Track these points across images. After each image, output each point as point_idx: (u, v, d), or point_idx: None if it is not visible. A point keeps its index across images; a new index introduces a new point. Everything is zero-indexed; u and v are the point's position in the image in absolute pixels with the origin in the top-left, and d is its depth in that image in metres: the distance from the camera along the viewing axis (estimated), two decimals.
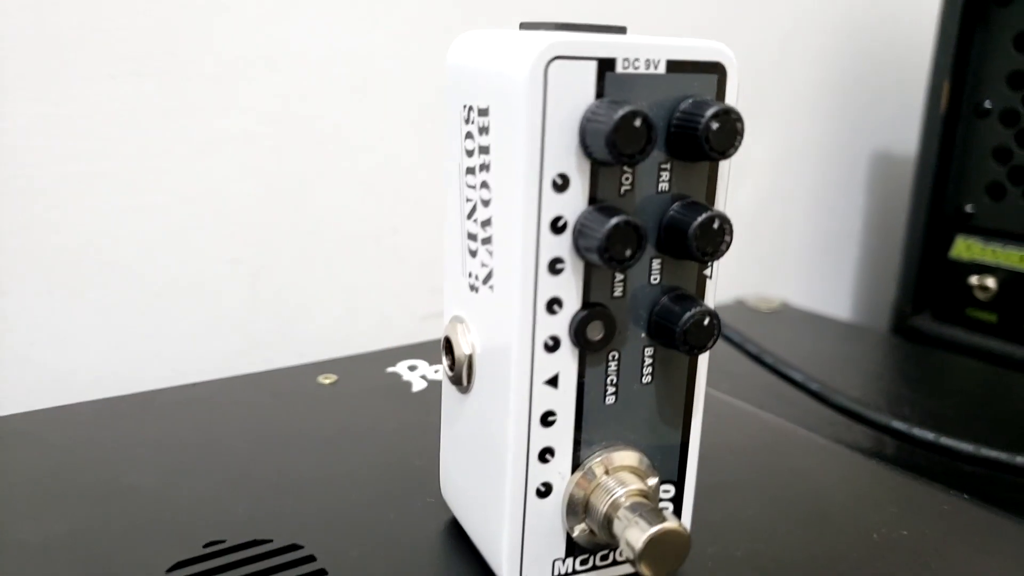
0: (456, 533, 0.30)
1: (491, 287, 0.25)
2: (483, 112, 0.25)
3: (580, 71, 0.23)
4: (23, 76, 0.42)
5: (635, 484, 0.26)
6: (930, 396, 0.55)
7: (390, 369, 0.43)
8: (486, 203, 0.25)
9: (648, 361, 0.26)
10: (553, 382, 0.25)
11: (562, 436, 0.25)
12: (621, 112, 0.22)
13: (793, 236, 0.77)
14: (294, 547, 0.29)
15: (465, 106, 0.26)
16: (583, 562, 0.27)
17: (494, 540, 0.27)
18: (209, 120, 0.48)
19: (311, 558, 0.28)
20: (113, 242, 0.46)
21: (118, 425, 0.36)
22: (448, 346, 0.28)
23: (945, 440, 0.44)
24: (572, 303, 0.24)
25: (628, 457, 0.26)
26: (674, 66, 0.24)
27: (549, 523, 0.26)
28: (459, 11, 0.54)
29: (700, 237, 0.24)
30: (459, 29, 0.54)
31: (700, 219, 0.24)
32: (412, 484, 0.33)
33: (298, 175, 0.51)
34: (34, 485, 0.32)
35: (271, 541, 0.29)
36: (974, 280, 0.64)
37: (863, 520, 0.32)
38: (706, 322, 0.25)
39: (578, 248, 0.24)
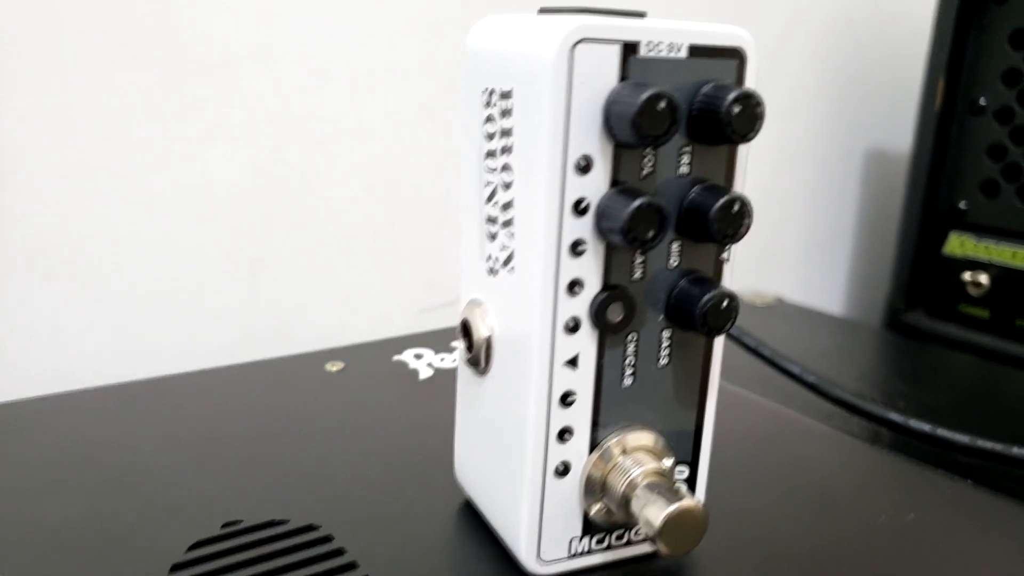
0: (471, 514, 0.30)
1: (511, 269, 0.26)
2: (505, 95, 0.25)
3: (605, 54, 0.23)
4: (22, 68, 0.42)
5: (652, 464, 0.26)
6: (924, 390, 0.56)
7: (396, 357, 0.43)
8: (507, 186, 0.25)
9: (665, 344, 0.26)
10: (573, 363, 0.25)
11: (581, 416, 0.26)
12: (646, 94, 0.22)
13: (788, 231, 0.77)
14: (311, 527, 0.29)
15: (486, 89, 0.26)
16: (599, 541, 0.27)
17: (512, 519, 0.27)
18: (208, 113, 0.48)
19: (328, 538, 0.28)
20: (113, 236, 0.46)
21: (130, 410, 0.37)
22: (466, 329, 0.28)
23: (941, 431, 0.44)
24: (593, 285, 0.25)
25: (644, 438, 0.27)
26: (696, 51, 0.24)
27: (567, 502, 0.26)
28: (459, 6, 0.54)
29: (721, 219, 0.24)
30: (458, 24, 0.54)
31: (721, 202, 0.24)
32: (425, 467, 0.33)
33: (296, 169, 0.51)
34: (50, 467, 0.32)
35: (288, 521, 0.29)
36: (967, 276, 0.65)
37: (869, 504, 0.32)
38: (724, 304, 0.25)
39: (600, 230, 0.24)
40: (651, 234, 0.23)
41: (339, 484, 0.32)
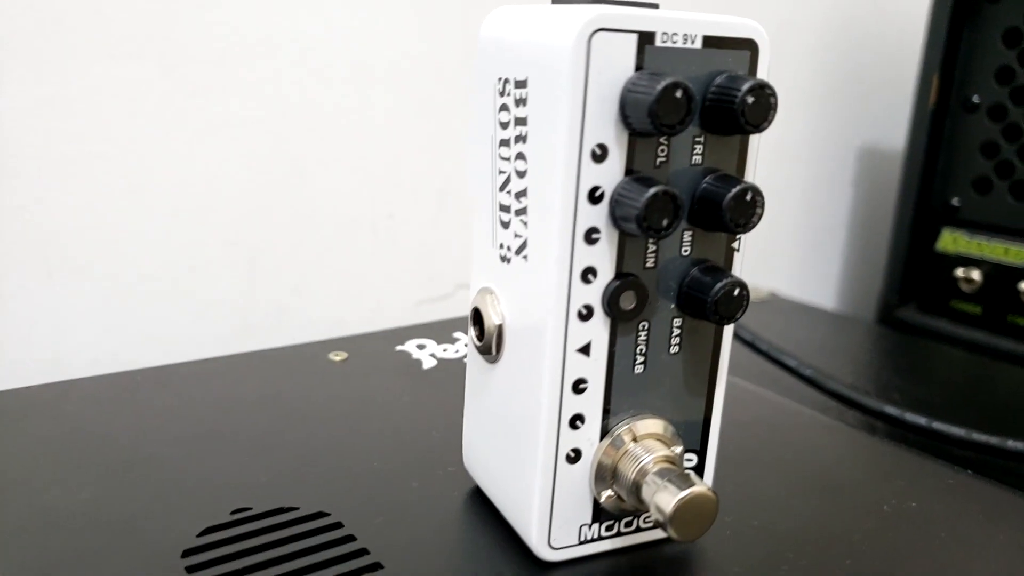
0: (480, 500, 0.30)
1: (525, 257, 0.26)
2: (520, 84, 0.25)
3: (621, 43, 0.23)
4: (22, 57, 0.42)
5: (662, 451, 0.26)
6: (917, 384, 0.56)
7: (399, 348, 0.43)
8: (521, 174, 0.26)
9: (676, 332, 0.27)
10: (585, 350, 0.25)
11: (592, 403, 0.26)
12: (664, 83, 0.22)
13: (783, 227, 0.78)
14: (320, 514, 0.29)
15: (500, 79, 0.26)
16: (608, 528, 0.28)
17: (523, 505, 0.27)
18: (208, 103, 0.48)
19: (338, 524, 0.28)
20: (111, 224, 0.46)
21: (135, 398, 0.37)
22: (477, 317, 0.28)
23: (937, 425, 0.45)
24: (606, 273, 0.25)
25: (654, 425, 0.27)
26: (710, 41, 0.24)
27: (578, 489, 0.27)
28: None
29: (734, 209, 0.24)
30: (459, 17, 0.54)
31: (734, 191, 0.24)
32: (432, 455, 0.33)
33: (295, 160, 0.51)
34: (57, 454, 0.32)
35: (297, 509, 0.29)
36: (959, 272, 0.66)
37: (873, 493, 0.33)
38: (736, 292, 0.25)
39: (615, 218, 0.24)
40: (666, 222, 0.23)
41: (347, 472, 0.32)
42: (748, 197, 0.24)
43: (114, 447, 0.33)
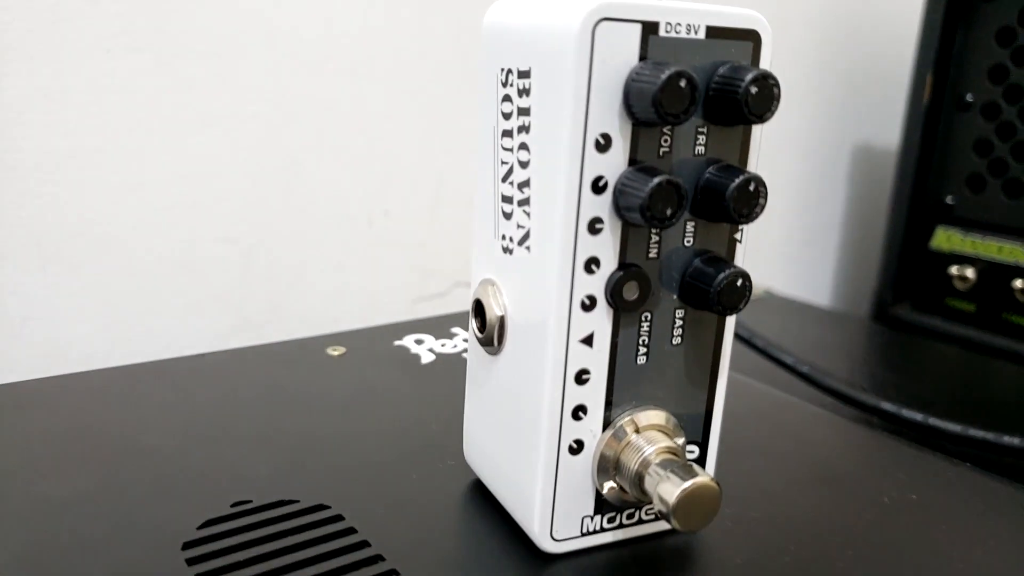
0: (480, 493, 0.30)
1: (527, 248, 0.26)
2: (524, 74, 0.25)
3: (626, 33, 0.23)
4: (19, 50, 0.42)
5: (664, 442, 0.26)
6: (912, 381, 0.57)
7: (397, 342, 0.43)
8: (524, 165, 0.26)
9: (679, 323, 0.27)
10: (588, 341, 0.25)
11: (595, 394, 0.26)
12: (668, 72, 0.22)
13: (777, 225, 0.78)
14: (321, 507, 0.29)
15: (503, 69, 0.26)
16: (610, 520, 0.28)
17: (525, 497, 0.27)
18: (204, 97, 0.48)
19: (339, 517, 0.28)
20: (107, 218, 0.46)
21: (135, 392, 0.36)
22: (479, 308, 0.28)
23: (933, 421, 0.45)
24: (609, 263, 0.25)
25: (656, 416, 0.27)
26: (713, 32, 0.24)
27: (580, 480, 0.27)
28: None
29: (737, 199, 0.24)
30: (455, 12, 0.54)
31: (737, 181, 0.24)
32: (432, 448, 0.33)
33: (292, 155, 0.51)
34: (56, 447, 0.32)
35: (297, 501, 0.29)
36: (954, 270, 0.66)
37: (873, 485, 0.33)
38: (739, 283, 0.25)
39: (618, 208, 0.24)
40: (669, 212, 0.23)
41: (347, 465, 0.32)
42: (751, 187, 0.24)
43: (113, 440, 0.33)
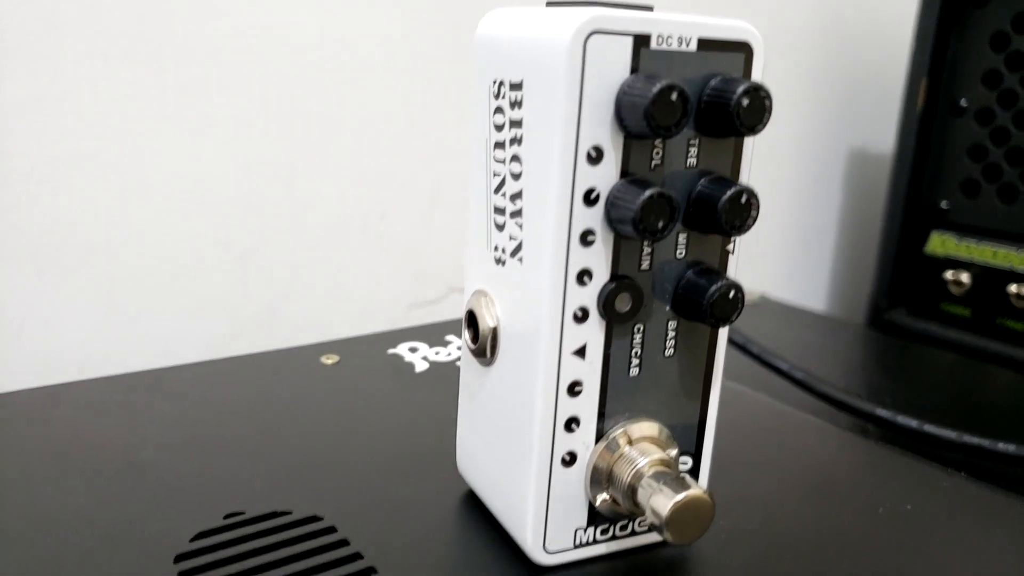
0: (473, 504, 0.30)
1: (520, 259, 0.26)
2: (516, 86, 0.25)
3: (617, 46, 0.23)
4: (15, 57, 0.42)
5: (657, 454, 0.26)
6: (907, 387, 0.57)
7: (391, 351, 0.43)
8: (516, 176, 0.26)
9: (671, 334, 0.27)
10: (581, 353, 0.25)
11: (588, 406, 0.26)
12: (659, 86, 0.22)
13: (773, 230, 0.78)
14: (314, 518, 0.29)
15: (495, 81, 0.26)
16: (603, 532, 0.28)
17: (518, 509, 0.27)
18: (199, 103, 0.48)
19: (332, 529, 0.28)
20: (102, 224, 0.46)
21: (127, 402, 0.36)
22: (471, 319, 0.28)
23: (929, 427, 0.45)
24: (601, 275, 0.25)
25: (649, 428, 0.27)
26: (705, 44, 0.24)
27: (573, 492, 0.27)
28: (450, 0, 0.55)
29: (729, 211, 0.24)
30: (449, 18, 0.54)
31: (729, 193, 0.24)
32: (425, 458, 0.33)
33: (287, 160, 0.51)
34: (50, 458, 0.32)
35: (290, 513, 0.29)
36: (948, 275, 0.66)
37: (868, 495, 0.33)
38: (731, 295, 0.25)
39: (610, 220, 0.24)
40: (661, 224, 0.23)
41: (340, 476, 0.32)
42: (743, 199, 0.24)
43: (107, 451, 0.32)
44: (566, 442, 0.26)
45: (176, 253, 0.48)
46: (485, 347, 0.28)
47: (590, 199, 0.24)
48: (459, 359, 0.30)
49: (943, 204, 0.67)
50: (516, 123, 0.25)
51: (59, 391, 0.37)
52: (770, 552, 0.29)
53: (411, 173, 0.56)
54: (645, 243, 0.25)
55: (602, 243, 0.24)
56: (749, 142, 0.26)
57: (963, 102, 0.65)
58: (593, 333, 0.25)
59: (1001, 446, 0.43)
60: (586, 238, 0.24)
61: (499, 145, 0.26)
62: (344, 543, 0.28)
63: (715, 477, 0.29)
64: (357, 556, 0.27)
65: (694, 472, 0.28)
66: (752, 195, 0.24)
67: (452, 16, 0.55)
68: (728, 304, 0.25)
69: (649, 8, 0.26)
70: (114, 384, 0.38)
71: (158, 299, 0.48)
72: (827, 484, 0.33)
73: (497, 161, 0.26)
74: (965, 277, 0.65)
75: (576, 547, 0.27)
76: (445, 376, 0.40)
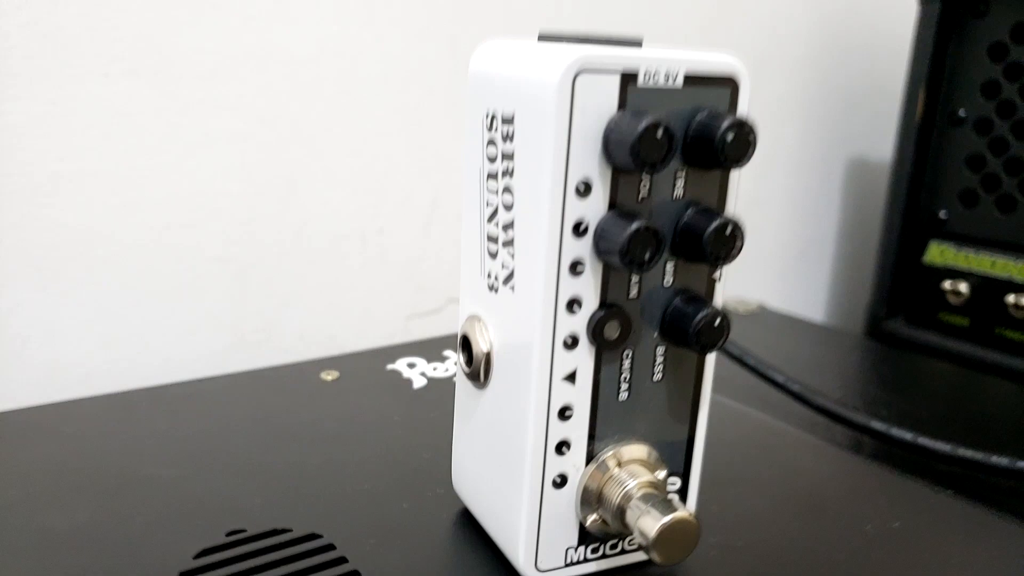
0: (468, 522, 0.31)
1: (512, 287, 0.27)
2: (508, 120, 0.26)
3: (605, 84, 0.24)
4: (18, 75, 0.42)
5: (646, 476, 0.27)
6: (904, 398, 0.57)
7: (390, 366, 0.44)
8: (508, 207, 0.26)
9: (660, 359, 0.27)
10: (571, 378, 0.26)
11: (578, 429, 0.27)
12: (644, 124, 0.23)
13: (771, 240, 0.78)
14: (313, 536, 0.30)
15: (488, 114, 0.27)
16: (594, 550, 0.28)
17: (510, 529, 0.28)
18: (200, 119, 0.48)
19: (331, 546, 0.29)
20: (105, 239, 0.47)
21: (130, 419, 0.37)
22: (466, 343, 0.29)
23: (923, 440, 0.45)
24: (591, 303, 0.26)
25: (638, 450, 0.28)
26: (691, 79, 0.25)
27: (564, 513, 0.27)
28: (446, 13, 0.55)
29: (714, 242, 0.25)
30: (447, 34, 0.55)
31: (714, 224, 0.25)
32: (422, 476, 0.34)
33: (286, 174, 0.52)
34: (55, 476, 0.33)
35: (290, 530, 0.30)
36: (947, 285, 0.66)
37: (856, 513, 0.33)
38: (717, 322, 0.26)
39: (599, 251, 0.25)
40: (648, 256, 0.24)
41: (339, 493, 0.33)
42: (728, 231, 0.25)
43: (112, 468, 0.33)
44: (557, 465, 0.27)
45: (178, 268, 0.49)
46: (479, 371, 0.28)
47: (579, 231, 0.25)
48: (455, 375, 0.31)
49: (942, 214, 0.67)
50: (508, 156, 0.26)
51: (64, 408, 0.38)
52: (759, 568, 0.29)
53: (409, 186, 0.57)
54: (633, 273, 0.26)
55: (591, 273, 0.25)
56: (736, 172, 0.27)
57: (962, 112, 0.66)
58: (583, 359, 0.26)
59: (994, 459, 0.43)
60: (575, 268, 0.25)
61: (492, 176, 0.27)
62: (343, 560, 0.29)
63: (705, 493, 0.30)
64: (355, 574, 0.28)
65: (683, 492, 0.29)
66: (737, 226, 0.25)
67: (449, 32, 0.56)
68: (714, 332, 0.26)
69: (638, 42, 0.26)
70: (118, 400, 0.39)
71: (161, 313, 0.49)
72: (817, 501, 0.34)
73: (490, 191, 0.27)
74: (963, 287, 0.65)
75: (567, 565, 0.28)
76: (442, 392, 0.41)
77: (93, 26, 0.44)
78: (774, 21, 0.73)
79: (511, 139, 0.26)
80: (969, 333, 0.66)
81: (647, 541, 0.25)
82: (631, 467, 0.27)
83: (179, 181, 0.48)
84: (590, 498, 0.27)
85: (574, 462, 0.27)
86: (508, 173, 0.26)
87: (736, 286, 0.74)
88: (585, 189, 0.24)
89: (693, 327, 0.26)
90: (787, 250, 0.80)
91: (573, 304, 0.25)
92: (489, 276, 0.28)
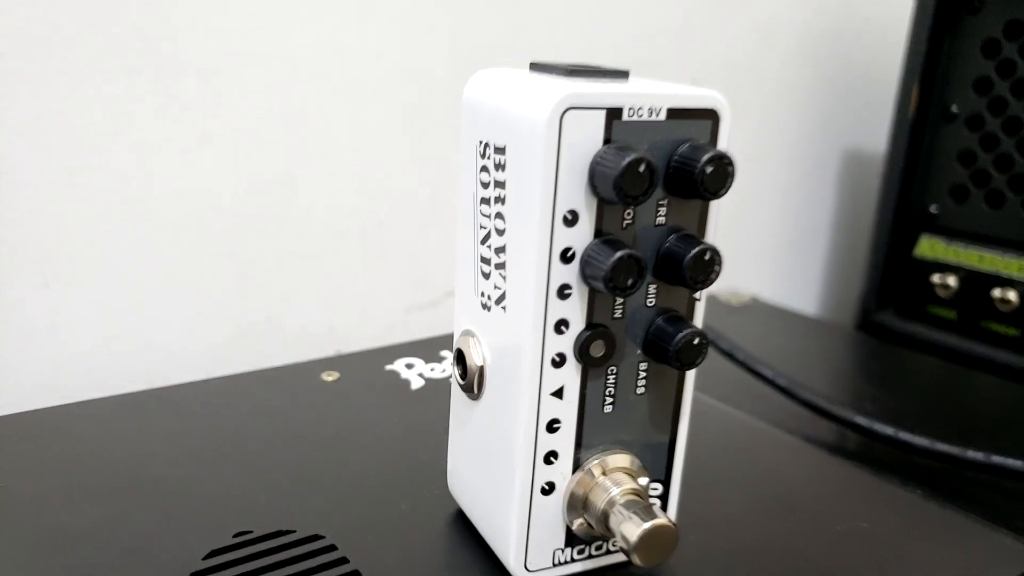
0: (463, 523, 0.33)
1: (504, 308, 0.28)
2: (500, 150, 0.27)
3: (591, 119, 0.25)
4: (19, 73, 0.43)
5: (629, 483, 0.29)
6: (891, 392, 0.59)
7: (389, 367, 0.46)
8: (500, 232, 0.28)
9: (642, 374, 0.29)
10: (559, 394, 0.28)
11: (565, 441, 0.28)
12: (627, 160, 0.24)
13: (764, 232, 0.80)
14: (316, 537, 0.31)
15: (481, 142, 0.28)
16: (580, 552, 0.30)
17: (502, 532, 0.29)
18: (200, 117, 0.49)
19: (333, 547, 0.31)
20: (107, 236, 0.47)
21: (137, 420, 0.39)
22: (460, 357, 0.31)
23: (903, 435, 0.47)
24: (577, 324, 0.27)
25: (622, 459, 0.29)
26: (674, 113, 0.26)
27: (552, 517, 0.29)
28: (444, 12, 0.56)
29: (693, 267, 0.27)
30: (447, 34, 0.56)
31: (694, 252, 0.26)
32: (419, 477, 0.36)
33: (286, 171, 0.53)
34: (65, 476, 0.34)
35: (294, 532, 0.32)
36: (936, 278, 0.68)
37: (827, 513, 0.35)
38: (696, 342, 0.27)
39: (585, 276, 0.26)
40: (630, 282, 0.26)
41: (341, 494, 0.34)
42: (707, 257, 0.27)
43: (120, 469, 0.35)
44: (545, 473, 0.28)
45: (179, 265, 0.50)
46: (473, 384, 0.30)
47: (566, 257, 0.26)
48: (452, 382, 0.32)
49: (932, 208, 0.68)
50: (500, 184, 0.27)
51: (73, 409, 0.39)
52: (736, 567, 0.31)
53: (409, 181, 0.58)
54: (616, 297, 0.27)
55: (578, 296, 0.27)
56: (716, 203, 0.28)
57: (954, 108, 0.67)
58: (570, 376, 0.28)
59: (970, 454, 0.45)
60: (563, 292, 0.27)
61: (485, 200, 0.29)
62: (344, 561, 0.30)
63: (686, 495, 0.32)
64: (356, 574, 0.30)
65: (664, 497, 0.31)
66: (715, 253, 0.27)
67: (449, 30, 0.57)
68: (693, 350, 0.27)
69: (624, 73, 0.28)
70: (125, 401, 0.40)
71: (164, 308, 0.50)
72: (791, 501, 0.36)
73: (484, 215, 0.29)
74: (952, 280, 0.67)
75: (555, 566, 0.30)
76: (439, 393, 0.43)
77: (91, 25, 0.44)
78: (770, 14, 0.74)
79: (503, 168, 0.27)
80: (956, 326, 0.67)
81: (628, 545, 0.27)
82: (615, 475, 0.29)
83: (180, 179, 0.49)
84: (576, 503, 0.29)
85: (562, 471, 0.29)
86: (500, 200, 0.28)
87: (729, 278, 0.75)
88: (572, 218, 0.26)
89: (673, 346, 0.27)
90: (780, 242, 0.81)
91: (561, 325, 0.27)
92: (482, 295, 0.29)
